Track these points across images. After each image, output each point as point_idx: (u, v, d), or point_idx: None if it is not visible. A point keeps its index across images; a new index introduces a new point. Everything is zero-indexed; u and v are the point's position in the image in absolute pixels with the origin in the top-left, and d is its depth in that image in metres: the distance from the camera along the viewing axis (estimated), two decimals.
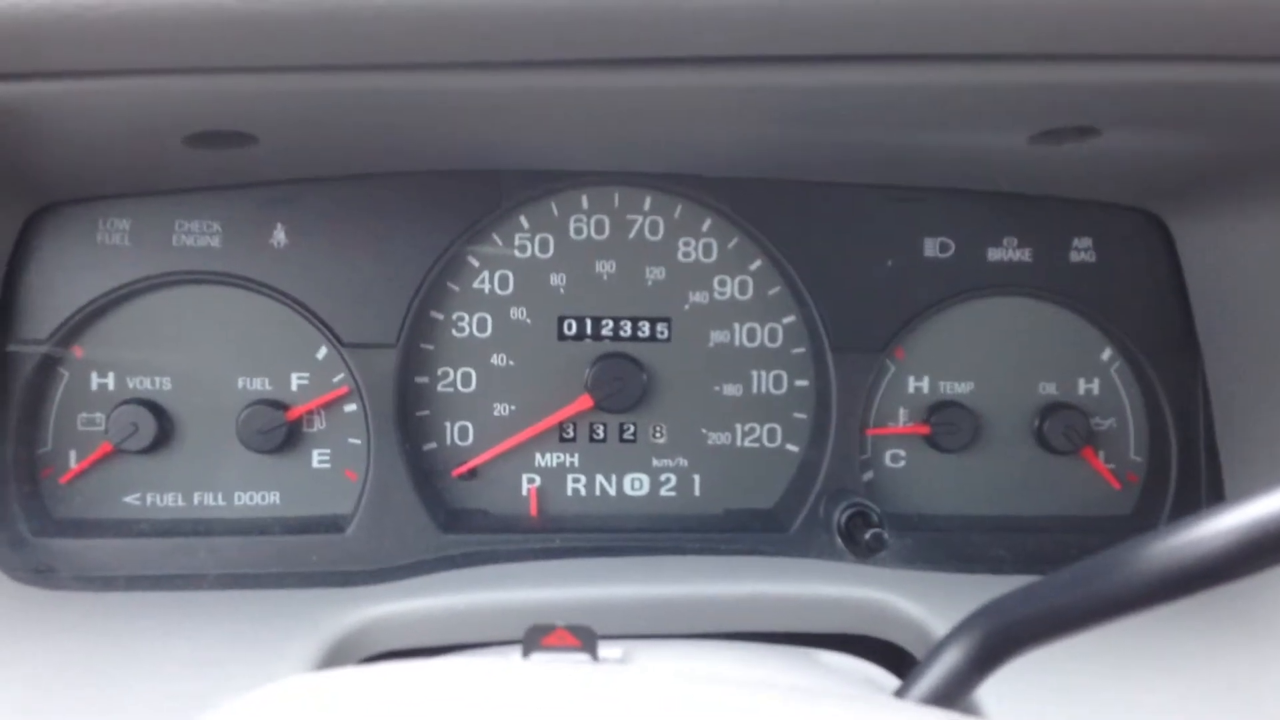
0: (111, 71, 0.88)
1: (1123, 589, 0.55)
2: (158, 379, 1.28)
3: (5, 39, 0.80)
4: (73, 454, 1.27)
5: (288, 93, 0.93)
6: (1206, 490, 1.32)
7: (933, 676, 0.62)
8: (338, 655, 1.06)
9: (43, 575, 1.19)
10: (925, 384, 1.37)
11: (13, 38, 0.80)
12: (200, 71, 0.88)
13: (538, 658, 0.75)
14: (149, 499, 1.29)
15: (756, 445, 1.38)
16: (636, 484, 1.37)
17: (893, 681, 0.92)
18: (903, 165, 1.28)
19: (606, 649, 0.80)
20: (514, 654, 0.77)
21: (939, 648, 0.62)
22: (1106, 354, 1.37)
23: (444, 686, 0.55)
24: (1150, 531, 0.54)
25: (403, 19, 0.79)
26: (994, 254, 1.35)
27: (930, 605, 1.13)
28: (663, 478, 1.37)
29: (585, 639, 0.78)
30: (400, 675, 0.58)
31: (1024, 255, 1.35)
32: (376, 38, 0.82)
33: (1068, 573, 0.58)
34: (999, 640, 0.61)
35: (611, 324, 1.35)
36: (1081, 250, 1.36)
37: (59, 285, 1.24)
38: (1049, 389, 1.37)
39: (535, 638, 0.78)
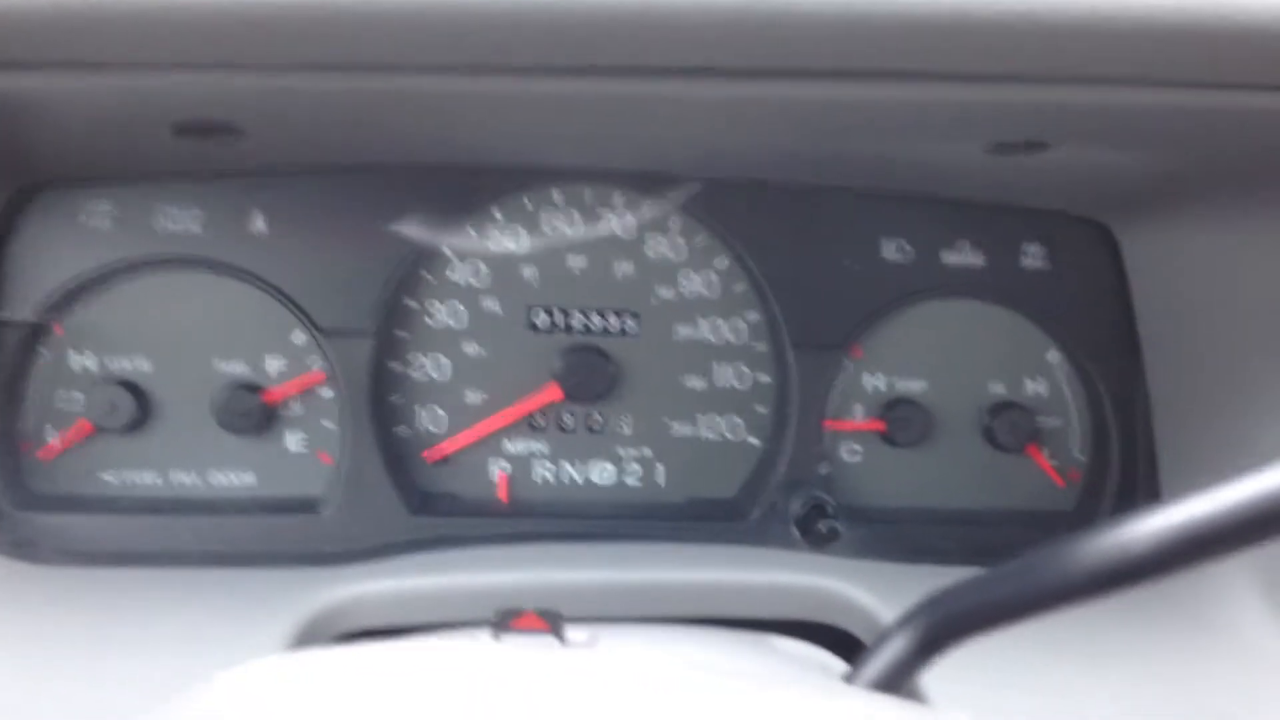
0: (102, 64, 0.91)
1: (1059, 584, 0.58)
2: (137, 359, 1.31)
3: None
4: (50, 430, 1.30)
5: (276, 90, 0.96)
6: (1144, 489, 1.39)
7: (879, 663, 0.65)
8: (312, 633, 1.10)
9: (24, 549, 1.22)
10: (881, 381, 1.42)
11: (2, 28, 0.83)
12: (190, 68, 0.91)
13: (508, 639, 0.79)
14: (126, 477, 1.31)
15: (719, 437, 1.43)
16: (603, 473, 1.42)
17: (842, 666, 0.97)
18: (864, 169, 1.32)
19: (573, 632, 0.84)
20: (483, 635, 0.81)
21: (886, 635, 0.65)
22: (1053, 356, 1.43)
23: (418, 667, 0.59)
24: (1087, 529, 0.57)
25: (393, 24, 0.82)
26: (949, 257, 1.41)
27: (880, 594, 1.19)
28: (628, 466, 1.42)
29: (553, 622, 0.82)
30: (374, 656, 0.61)
31: (977, 259, 1.41)
32: (366, 41, 0.86)
33: (1008, 567, 0.61)
34: (942, 629, 0.64)
35: (581, 316, 1.39)
36: (1032, 256, 1.41)
37: (40, 265, 1.27)
38: (998, 389, 1.43)
39: (505, 620, 0.82)
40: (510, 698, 0.53)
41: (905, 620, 0.65)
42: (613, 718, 0.50)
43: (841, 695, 0.59)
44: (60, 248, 1.27)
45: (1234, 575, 1.17)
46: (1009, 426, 1.39)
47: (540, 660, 0.60)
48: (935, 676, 0.67)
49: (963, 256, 1.41)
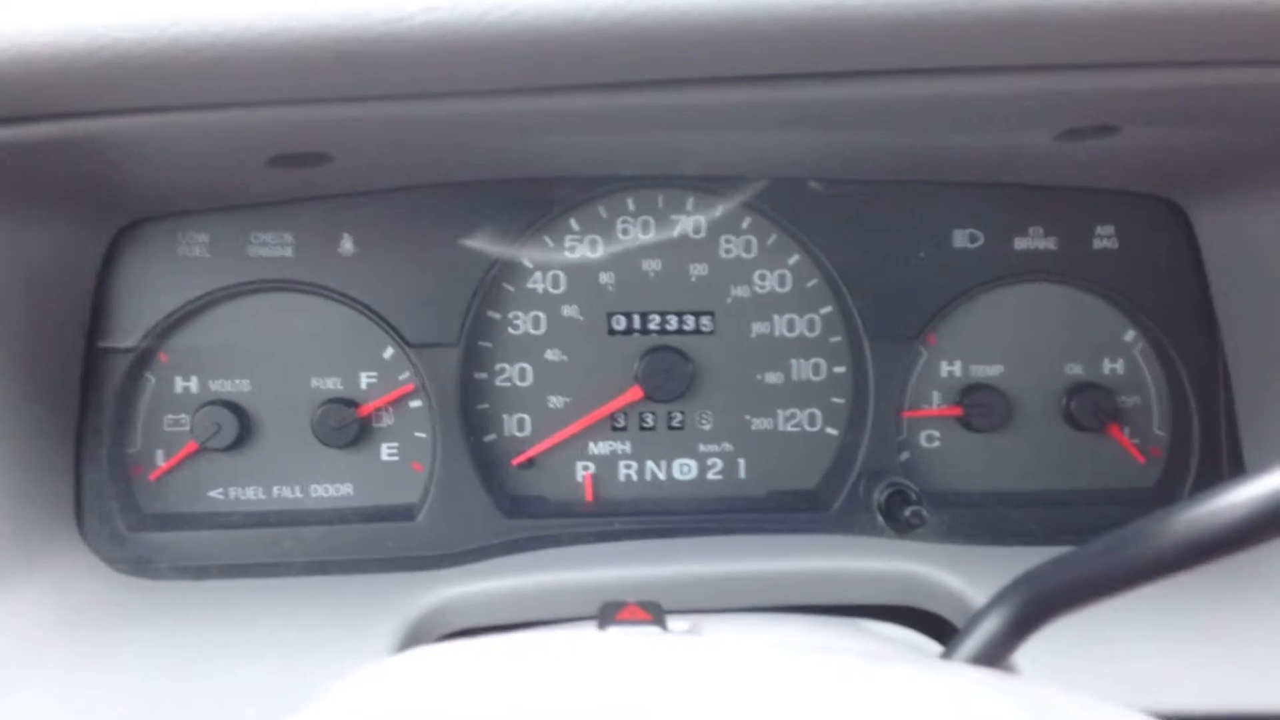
0: (201, 106, 0.96)
1: (1150, 557, 0.59)
2: (237, 381, 1.37)
3: (99, 79, 0.87)
4: (160, 453, 1.36)
5: (366, 119, 1.00)
6: (1228, 463, 1.39)
7: (974, 641, 0.66)
8: (417, 635, 1.14)
9: (142, 566, 1.28)
10: (957, 368, 1.44)
11: (106, 78, 0.87)
12: (284, 103, 0.96)
13: (614, 631, 0.82)
14: (232, 493, 1.38)
15: (798, 429, 1.45)
16: (685, 469, 1.45)
17: (935, 648, 0.99)
18: (932, 162, 1.34)
19: (674, 622, 0.87)
20: (589, 629, 0.84)
21: (980, 615, 0.67)
22: (1130, 335, 1.44)
23: (536, 658, 0.62)
24: (1175, 503, 0.58)
25: (474, 54, 0.86)
26: (1020, 243, 1.42)
27: (967, 576, 1.20)
28: (709, 462, 1.45)
29: (655, 613, 0.85)
30: (490, 650, 0.65)
31: (1049, 244, 1.42)
32: (450, 70, 0.90)
33: (1099, 543, 0.62)
34: (1035, 607, 0.65)
35: (659, 318, 1.42)
36: (1104, 238, 1.42)
37: (144, 295, 1.33)
38: (1075, 370, 1.44)
39: (609, 613, 0.85)
40: (626, 679, 0.56)
41: (998, 599, 0.66)
42: (727, 694, 0.53)
43: (943, 669, 0.62)
44: (161, 278, 1.33)
45: None
46: (1089, 407, 1.40)
47: (650, 646, 0.62)
48: (1023, 653, 0.69)
49: (1034, 241, 1.42)
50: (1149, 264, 1.41)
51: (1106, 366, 1.44)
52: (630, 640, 0.66)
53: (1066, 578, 0.64)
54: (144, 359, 1.34)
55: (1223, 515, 0.56)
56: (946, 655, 0.68)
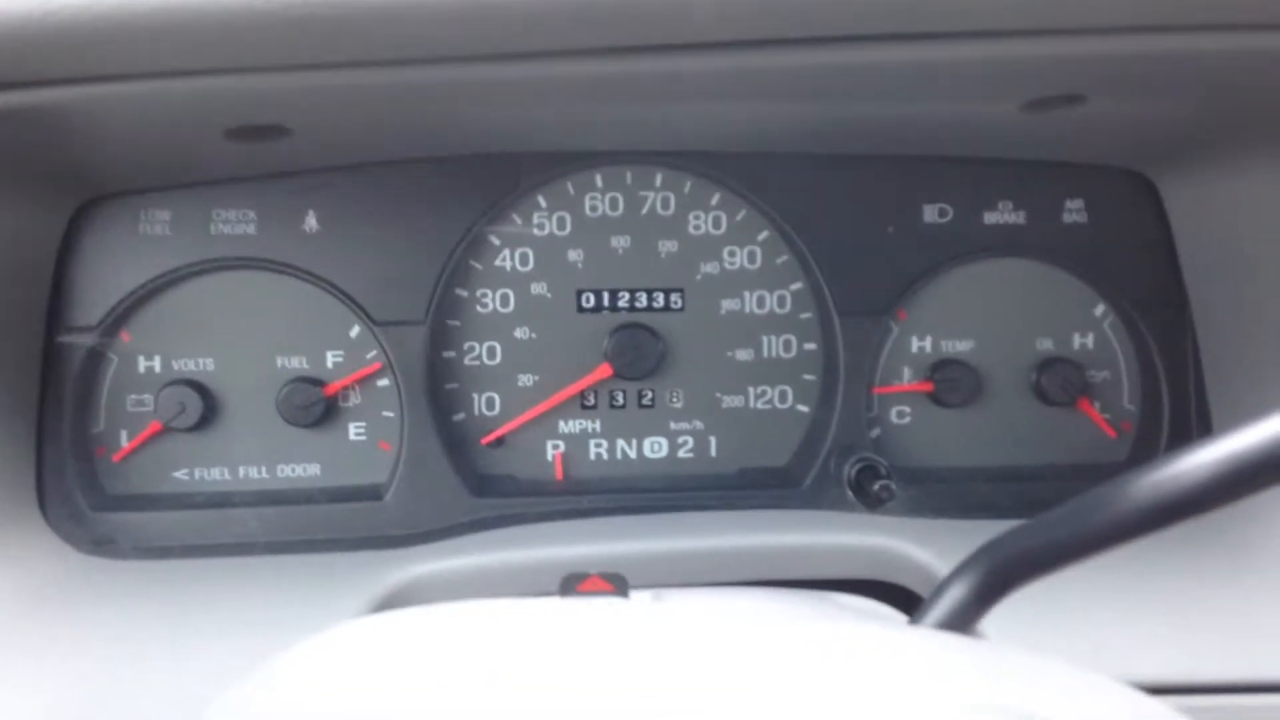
0: (155, 74, 0.95)
1: (1112, 521, 0.59)
2: (201, 360, 1.35)
3: (50, 45, 0.86)
4: (124, 433, 1.34)
5: (322, 88, 0.99)
6: (1198, 436, 1.39)
7: (939, 610, 0.66)
8: (383, 612, 1.13)
9: (104, 546, 1.27)
10: (928, 343, 1.44)
11: (57, 43, 0.86)
12: (239, 71, 0.94)
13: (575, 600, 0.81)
14: (197, 473, 1.36)
15: (768, 407, 1.45)
16: (656, 447, 1.44)
17: (903, 618, 0.99)
18: (901, 136, 1.33)
19: (638, 595, 0.86)
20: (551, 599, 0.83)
21: (944, 584, 0.66)
22: (1100, 309, 1.44)
23: (492, 621, 0.61)
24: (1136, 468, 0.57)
25: (431, 17, 0.85)
26: (990, 217, 1.42)
27: (936, 549, 1.20)
28: (680, 440, 1.44)
29: (618, 584, 0.85)
30: (450, 614, 0.64)
31: (1019, 218, 1.42)
32: (406, 36, 0.88)
33: (1061, 509, 0.61)
34: (1001, 574, 0.64)
35: (628, 295, 1.41)
36: (1074, 211, 1.42)
37: (105, 274, 1.31)
38: (1045, 344, 1.44)
39: (571, 585, 0.84)
40: (580, 642, 0.55)
41: (963, 567, 0.66)
42: (687, 651, 0.53)
43: (907, 631, 0.61)
44: (123, 257, 1.32)
45: None
46: (1059, 381, 1.40)
47: (609, 610, 0.62)
48: (989, 623, 0.68)
49: (1004, 216, 1.42)
50: (1118, 238, 1.41)
51: (1076, 341, 1.44)
52: (588, 607, 0.65)
53: (1029, 544, 0.64)
54: (106, 338, 1.32)
55: (1183, 478, 0.56)
56: (912, 624, 0.68)
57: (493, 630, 0.60)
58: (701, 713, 0.47)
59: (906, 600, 1.19)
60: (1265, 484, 0.56)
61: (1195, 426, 1.39)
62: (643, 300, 1.42)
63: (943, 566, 1.17)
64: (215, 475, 1.36)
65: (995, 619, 0.67)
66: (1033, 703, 0.48)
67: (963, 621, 0.66)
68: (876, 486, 1.29)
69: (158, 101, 1.00)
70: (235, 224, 1.33)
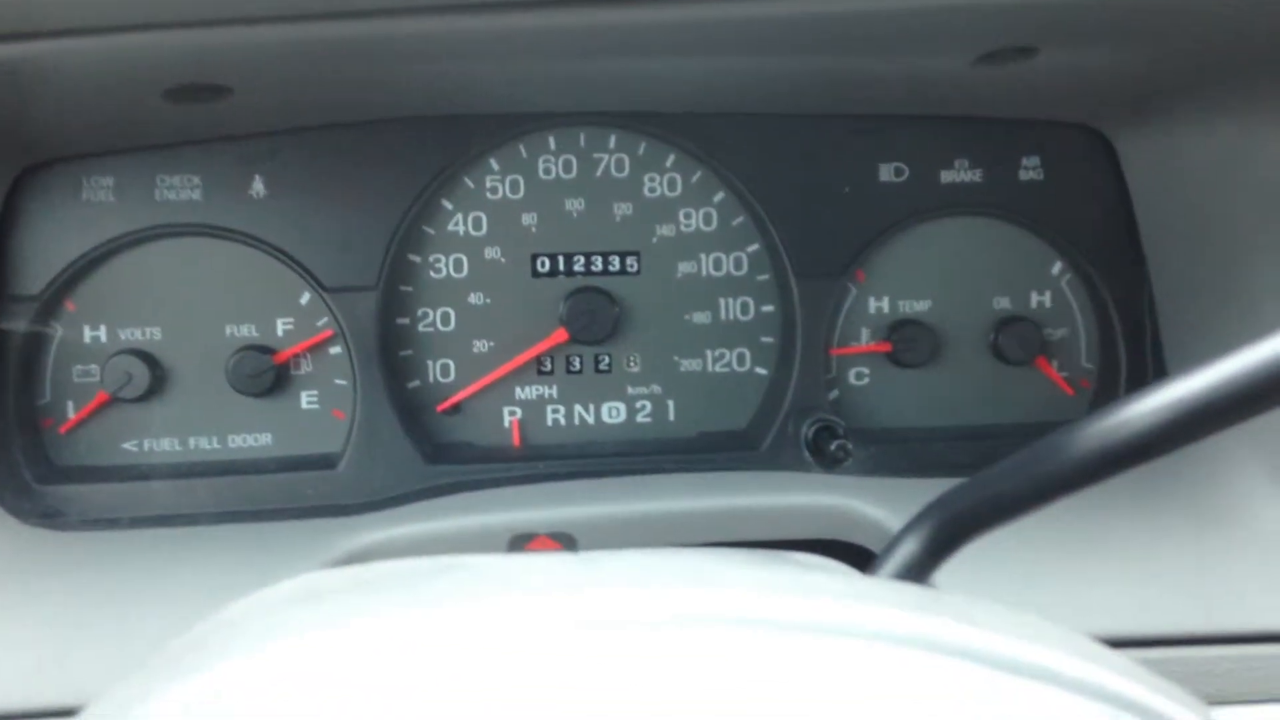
0: (88, 29, 0.92)
1: (1066, 468, 0.58)
2: (148, 329, 1.33)
3: None
4: (70, 404, 1.32)
5: (260, 44, 0.97)
6: None
7: (892, 565, 0.65)
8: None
9: (50, 519, 1.25)
10: (885, 304, 1.43)
11: None
12: (175, 26, 0.92)
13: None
14: (146, 444, 1.34)
15: (727, 370, 1.44)
16: (613, 412, 1.43)
17: (858, 575, 0.98)
18: (856, 93, 1.32)
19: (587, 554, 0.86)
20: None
21: (896, 539, 0.66)
22: (1057, 268, 1.44)
23: (438, 572, 0.60)
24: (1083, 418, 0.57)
25: None
26: (947, 176, 1.41)
27: (892, 508, 1.20)
28: (638, 405, 1.43)
29: (566, 543, 0.84)
30: (395, 568, 0.63)
31: (975, 176, 1.41)
32: None
33: (1011, 460, 0.60)
34: (953, 527, 0.63)
35: (583, 259, 1.40)
36: (1030, 169, 1.41)
37: (48, 242, 1.29)
38: (1003, 303, 1.43)
39: (518, 544, 0.84)
40: (518, 593, 0.54)
41: (914, 522, 0.65)
42: (632, 596, 0.52)
43: (860, 579, 0.60)
44: (66, 224, 1.29)
45: (1240, 461, 1.18)
46: (1017, 340, 1.40)
47: (555, 561, 0.61)
48: (943, 579, 0.67)
49: (960, 174, 1.41)
50: (1075, 194, 1.41)
51: (1034, 299, 1.43)
52: (530, 559, 0.64)
53: (980, 496, 0.63)
54: (49, 308, 1.30)
55: (1130, 425, 0.56)
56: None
57: (443, 580, 0.59)
58: (642, 651, 0.46)
59: (865, 561, 1.18)
60: (1210, 429, 0.56)
61: (1152, 383, 1.39)
62: (598, 264, 1.40)
63: (898, 523, 1.16)
64: (165, 446, 1.34)
65: (952, 574, 0.66)
66: (982, 641, 0.47)
67: (915, 576, 0.65)
68: (833, 446, 1.29)
69: (94, 59, 0.98)
70: (180, 189, 1.31)
